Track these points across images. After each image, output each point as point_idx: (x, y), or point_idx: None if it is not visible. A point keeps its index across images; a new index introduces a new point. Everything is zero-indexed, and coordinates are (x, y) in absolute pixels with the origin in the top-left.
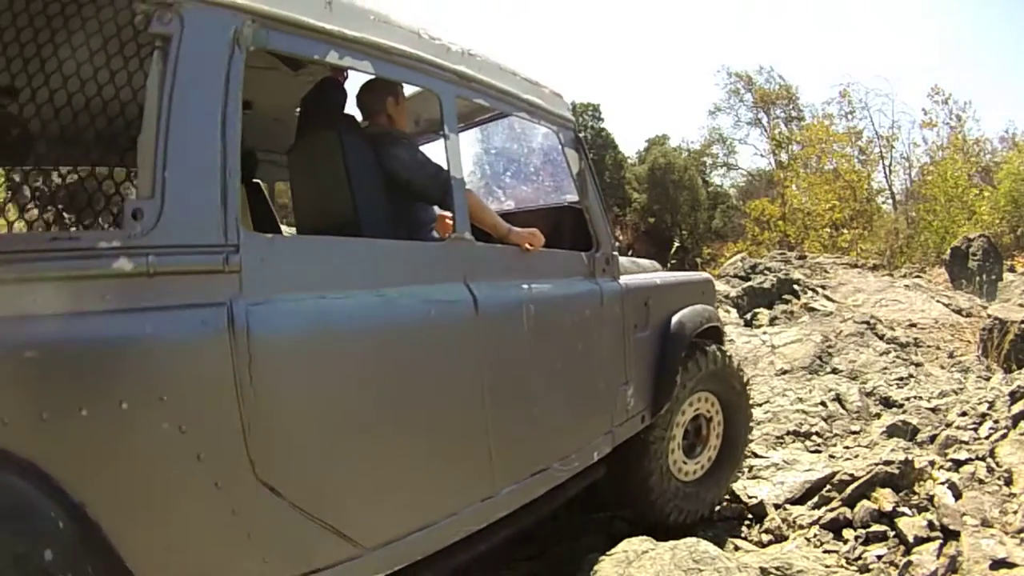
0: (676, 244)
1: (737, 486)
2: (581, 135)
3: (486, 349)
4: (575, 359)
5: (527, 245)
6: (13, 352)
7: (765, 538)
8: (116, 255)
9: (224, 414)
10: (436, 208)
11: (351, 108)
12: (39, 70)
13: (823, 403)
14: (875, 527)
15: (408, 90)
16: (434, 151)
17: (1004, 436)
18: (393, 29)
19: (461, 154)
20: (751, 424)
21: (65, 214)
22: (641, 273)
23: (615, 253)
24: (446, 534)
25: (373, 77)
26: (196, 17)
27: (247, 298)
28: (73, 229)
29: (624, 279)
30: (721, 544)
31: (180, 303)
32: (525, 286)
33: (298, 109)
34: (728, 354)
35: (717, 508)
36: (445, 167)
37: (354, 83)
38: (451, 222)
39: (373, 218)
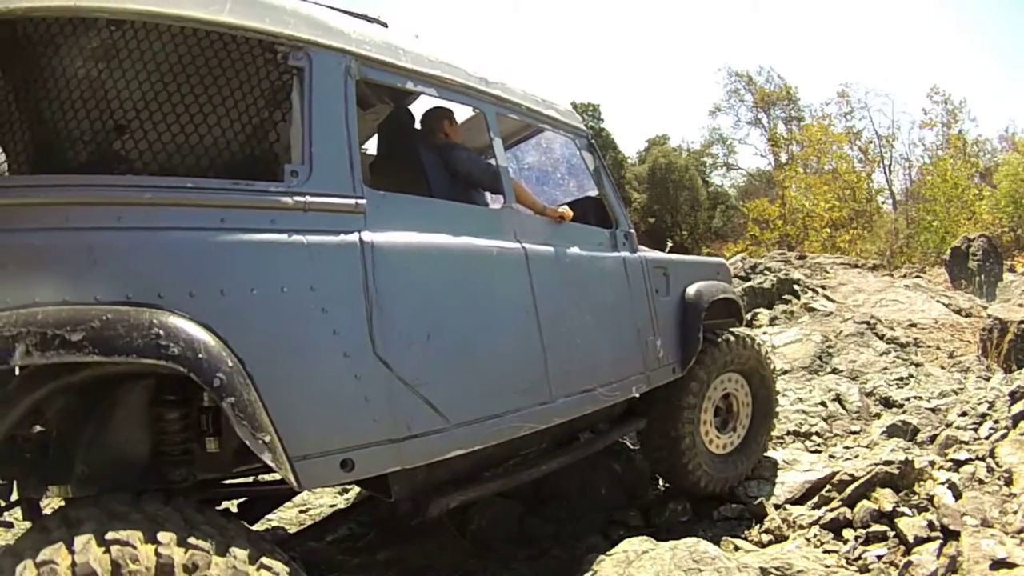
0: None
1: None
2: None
3: (535, 286)
4: (606, 307)
5: (559, 218)
6: (207, 249)
7: (765, 538)
8: (281, 195)
9: (354, 303)
10: (488, 197)
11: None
12: (159, 110)
13: (823, 403)
14: (875, 527)
15: (459, 117)
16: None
17: (1004, 436)
18: (447, 66)
19: (504, 153)
20: (777, 405)
21: None
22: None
23: (631, 231)
24: (513, 426)
25: (434, 105)
26: (319, 55)
27: (370, 228)
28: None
29: (642, 253)
30: (721, 544)
31: (327, 228)
32: (561, 246)
33: (372, 137)
34: (754, 338)
35: (718, 508)
36: (494, 163)
37: (416, 111)
38: None
39: None
